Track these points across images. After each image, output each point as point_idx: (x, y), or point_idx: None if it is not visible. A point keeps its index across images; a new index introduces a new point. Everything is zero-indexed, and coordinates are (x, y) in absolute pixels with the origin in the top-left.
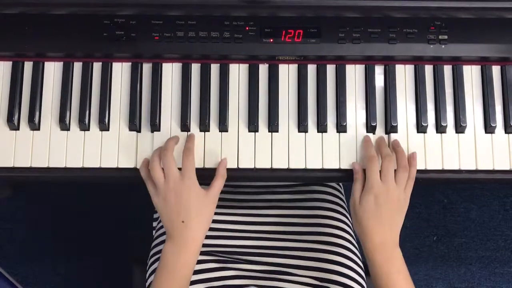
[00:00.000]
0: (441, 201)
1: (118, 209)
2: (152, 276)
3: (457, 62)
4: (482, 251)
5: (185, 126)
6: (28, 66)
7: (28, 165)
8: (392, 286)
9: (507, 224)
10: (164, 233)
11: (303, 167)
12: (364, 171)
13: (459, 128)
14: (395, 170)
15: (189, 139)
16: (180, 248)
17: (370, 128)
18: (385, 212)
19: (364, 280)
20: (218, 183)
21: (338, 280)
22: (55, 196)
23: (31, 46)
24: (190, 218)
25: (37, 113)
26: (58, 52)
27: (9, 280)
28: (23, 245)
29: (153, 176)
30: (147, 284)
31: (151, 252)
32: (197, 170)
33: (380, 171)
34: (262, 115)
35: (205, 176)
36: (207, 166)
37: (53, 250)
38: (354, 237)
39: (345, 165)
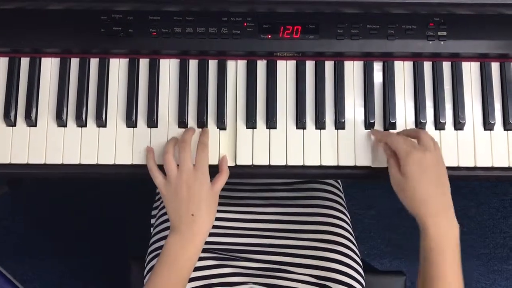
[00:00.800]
0: None
1: (116, 206)
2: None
3: (456, 59)
4: (481, 249)
5: (182, 123)
6: (24, 62)
7: (25, 162)
8: (441, 263)
9: (506, 222)
10: (162, 230)
11: (301, 164)
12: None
13: (458, 125)
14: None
15: (204, 134)
16: (186, 241)
17: (369, 125)
18: (430, 174)
19: (363, 278)
20: (222, 178)
21: (336, 278)
22: (53, 194)
23: (27, 42)
24: (200, 212)
25: (34, 110)
26: (55, 48)
27: (6, 277)
28: (21, 242)
29: (166, 167)
30: (145, 281)
31: (149, 249)
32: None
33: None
34: (260, 111)
35: None
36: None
37: (51, 247)
38: (353, 234)
39: (343, 162)
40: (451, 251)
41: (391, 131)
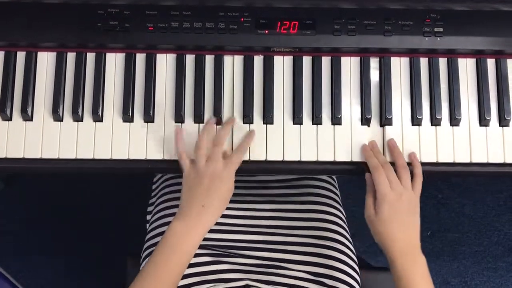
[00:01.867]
0: (435, 196)
1: (111, 203)
2: None
3: (452, 55)
4: (476, 246)
5: (179, 118)
6: (20, 56)
7: (21, 156)
8: None
9: (500, 219)
10: (158, 227)
11: (297, 159)
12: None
13: (454, 121)
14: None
15: (249, 137)
16: (191, 228)
17: (365, 121)
18: (402, 216)
19: (358, 275)
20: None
21: (332, 274)
22: (49, 190)
23: (23, 36)
24: (211, 206)
25: (30, 104)
26: (51, 42)
27: (2, 274)
28: (17, 239)
29: (197, 153)
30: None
31: (145, 246)
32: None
33: None
34: (257, 107)
35: None
36: None
37: (47, 244)
38: (348, 231)
39: (339, 158)
40: (420, 278)
41: (386, 127)
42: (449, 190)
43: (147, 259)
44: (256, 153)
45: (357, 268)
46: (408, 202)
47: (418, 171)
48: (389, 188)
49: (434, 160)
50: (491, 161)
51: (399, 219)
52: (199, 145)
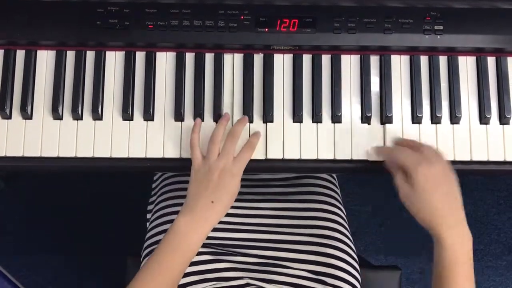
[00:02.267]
0: None
1: (111, 202)
2: None
3: (452, 53)
4: (476, 245)
5: (179, 116)
6: (20, 55)
7: (20, 155)
8: (456, 274)
9: (500, 218)
10: (158, 225)
11: (297, 157)
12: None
13: (454, 119)
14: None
15: (256, 136)
16: (198, 223)
17: (365, 119)
18: (440, 184)
19: (358, 273)
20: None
21: (332, 273)
22: (49, 189)
23: (23, 34)
24: (220, 202)
25: (30, 102)
26: (50, 40)
27: (2, 273)
28: (17, 238)
29: (210, 148)
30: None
31: (145, 245)
32: (188, 161)
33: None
34: (257, 105)
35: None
36: None
37: (47, 243)
38: (349, 230)
39: (340, 156)
40: (466, 262)
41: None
42: None
43: (148, 257)
44: (256, 152)
45: (357, 266)
46: (442, 169)
47: (426, 145)
48: (418, 160)
49: None
50: (492, 159)
51: (440, 188)
52: (214, 140)
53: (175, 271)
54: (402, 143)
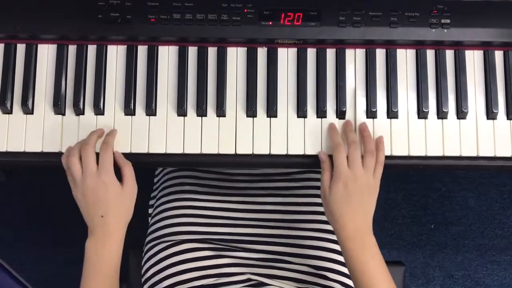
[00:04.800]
0: (439, 189)
1: None
2: (148, 263)
3: (459, 47)
4: (479, 239)
5: (182, 111)
6: (21, 49)
7: (21, 150)
8: (367, 273)
9: (505, 213)
10: (160, 220)
11: (302, 153)
12: (331, 159)
13: (461, 114)
14: (362, 156)
15: (110, 134)
16: (100, 243)
17: (370, 114)
18: (355, 199)
19: None
20: (127, 172)
21: (334, 268)
22: (50, 182)
23: (23, 28)
24: (108, 213)
25: (31, 97)
26: (51, 34)
27: (3, 266)
28: (19, 231)
29: (71, 170)
30: (142, 270)
31: (147, 239)
32: (192, 156)
33: (347, 158)
34: (261, 100)
35: (201, 163)
36: (204, 151)
37: (48, 236)
38: None
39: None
40: (371, 259)
41: (392, 120)
42: (453, 183)
43: (150, 251)
44: (260, 147)
45: None
46: (366, 185)
47: (381, 157)
48: (347, 168)
49: (440, 154)
50: (499, 154)
51: (353, 201)
52: (71, 161)
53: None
54: (362, 135)
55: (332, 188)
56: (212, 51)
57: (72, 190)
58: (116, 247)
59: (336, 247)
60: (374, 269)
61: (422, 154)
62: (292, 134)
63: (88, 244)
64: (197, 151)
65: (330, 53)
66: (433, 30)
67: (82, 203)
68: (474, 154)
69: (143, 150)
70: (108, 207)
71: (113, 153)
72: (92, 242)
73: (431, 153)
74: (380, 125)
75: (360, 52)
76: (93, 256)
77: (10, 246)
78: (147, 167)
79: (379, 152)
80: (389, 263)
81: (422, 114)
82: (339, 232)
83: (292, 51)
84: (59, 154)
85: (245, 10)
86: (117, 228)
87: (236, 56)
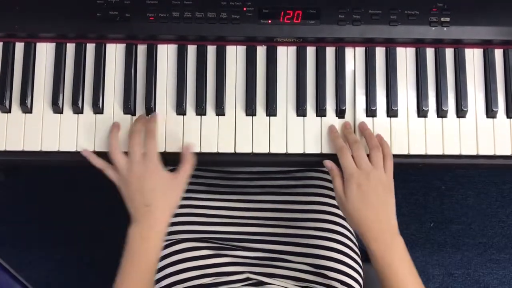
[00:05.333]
0: (439, 187)
1: (113, 194)
2: None
3: (459, 45)
4: (479, 238)
5: (181, 110)
6: (19, 47)
7: (20, 149)
8: (395, 276)
9: (504, 211)
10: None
11: (301, 151)
12: (337, 165)
13: (460, 112)
14: (368, 155)
15: (151, 120)
16: (144, 232)
17: (370, 112)
18: (372, 197)
19: (360, 267)
20: (186, 168)
21: (334, 266)
22: (50, 181)
23: (22, 26)
24: (154, 202)
25: (29, 96)
26: (50, 32)
27: (2, 265)
28: (17, 230)
29: (114, 160)
30: None
31: None
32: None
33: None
34: (260, 98)
35: (201, 161)
36: (203, 150)
37: (47, 236)
38: None
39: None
40: (399, 262)
41: (392, 119)
42: (452, 181)
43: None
44: (259, 146)
45: (359, 260)
46: (378, 182)
47: (387, 151)
48: (355, 168)
49: (440, 153)
50: (498, 153)
51: (370, 200)
52: (110, 148)
53: (144, 280)
54: (363, 134)
55: (347, 192)
56: (211, 50)
57: (116, 183)
58: (158, 238)
59: (336, 245)
60: (402, 272)
61: (422, 152)
62: (291, 132)
63: (131, 232)
64: (196, 150)
65: (330, 52)
66: (433, 28)
67: (127, 192)
68: (474, 153)
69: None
70: (154, 196)
71: (183, 146)
72: (135, 231)
73: (431, 151)
74: (379, 124)
75: (360, 51)
76: (135, 246)
77: (10, 246)
78: None
79: (383, 146)
80: None
81: (421, 112)
82: (365, 236)
83: (292, 50)
84: (58, 153)
85: (244, 8)
86: (161, 218)
87: (235, 54)
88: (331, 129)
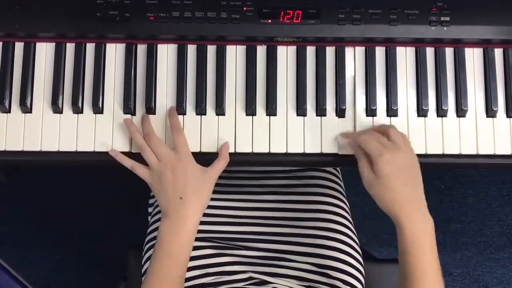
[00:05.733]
0: (438, 186)
1: (113, 195)
2: (148, 263)
3: (458, 45)
4: (478, 237)
5: (181, 110)
6: (19, 47)
7: (20, 149)
8: (421, 263)
9: (504, 210)
10: (159, 219)
11: (301, 151)
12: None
13: (460, 112)
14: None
15: (172, 115)
16: (177, 226)
17: (370, 112)
18: (403, 172)
19: (362, 266)
20: (220, 164)
21: (336, 266)
22: (50, 181)
23: (21, 26)
24: (187, 194)
25: (29, 96)
26: (50, 32)
27: (2, 265)
28: (17, 230)
29: (146, 157)
30: (142, 270)
31: (147, 239)
32: (193, 154)
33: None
34: (260, 98)
35: (201, 161)
36: (203, 150)
37: (47, 236)
38: (352, 223)
39: (343, 151)
40: (427, 245)
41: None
42: (452, 181)
43: (149, 251)
44: (259, 145)
45: (361, 259)
46: (406, 156)
47: (395, 130)
48: (383, 147)
49: (440, 152)
50: (498, 152)
51: (402, 175)
52: (140, 147)
53: (174, 276)
54: (372, 129)
55: (378, 172)
56: (211, 49)
57: (147, 180)
58: (191, 232)
59: (339, 245)
60: (428, 259)
61: (422, 152)
62: (291, 132)
63: (163, 227)
64: (197, 150)
65: (330, 51)
66: (433, 28)
67: (160, 187)
68: (473, 152)
69: None
70: (187, 188)
71: (223, 144)
72: (167, 226)
73: (431, 151)
74: (379, 123)
75: (360, 50)
76: (167, 240)
77: (10, 246)
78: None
79: (390, 128)
80: (388, 261)
81: (421, 112)
82: (397, 214)
83: (292, 49)
84: (57, 153)
85: (244, 8)
86: (194, 211)
87: (235, 54)
88: (342, 134)
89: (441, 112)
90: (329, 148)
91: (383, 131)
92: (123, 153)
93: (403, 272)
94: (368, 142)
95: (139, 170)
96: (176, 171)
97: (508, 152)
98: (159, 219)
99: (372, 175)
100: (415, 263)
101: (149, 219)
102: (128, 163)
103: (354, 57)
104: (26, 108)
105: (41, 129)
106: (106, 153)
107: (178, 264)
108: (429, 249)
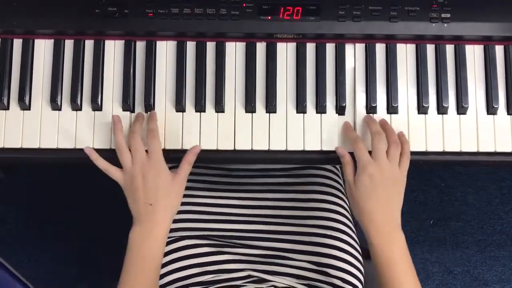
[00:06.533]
0: (438, 185)
1: (113, 190)
2: None
3: (459, 42)
4: (479, 235)
5: (180, 107)
6: (17, 44)
7: (18, 146)
8: (393, 272)
9: (504, 208)
10: None
11: (301, 148)
12: (350, 154)
13: (461, 109)
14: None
15: (151, 119)
16: (147, 232)
17: (370, 109)
18: (382, 191)
19: (362, 265)
20: (184, 169)
21: (335, 264)
22: (50, 181)
23: (20, 22)
24: (158, 201)
25: (28, 93)
26: (48, 29)
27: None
28: (18, 229)
29: (121, 158)
30: None
31: None
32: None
33: (371, 150)
34: (260, 95)
35: (202, 159)
36: (203, 147)
37: (47, 234)
38: (352, 221)
39: (344, 147)
40: (397, 255)
41: (392, 115)
42: (452, 179)
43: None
44: (259, 143)
45: (360, 258)
46: (391, 178)
47: (406, 149)
48: (370, 159)
49: (440, 149)
50: (499, 150)
51: (379, 194)
52: (118, 147)
53: (146, 281)
54: (384, 129)
55: (358, 182)
56: (210, 46)
57: (119, 182)
58: (161, 238)
59: (338, 243)
60: (400, 268)
61: (422, 149)
62: (291, 129)
63: (132, 234)
64: None
65: (330, 48)
66: (433, 25)
67: (131, 191)
68: (474, 150)
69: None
70: (158, 195)
71: (195, 148)
72: (137, 232)
73: (431, 148)
74: None
75: (360, 47)
76: (137, 246)
77: (10, 245)
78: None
79: (404, 144)
80: None
81: (422, 109)
82: (367, 227)
83: (291, 46)
84: (57, 150)
85: (244, 5)
86: (164, 218)
87: (234, 51)
88: (346, 124)
89: (441, 109)
90: (329, 145)
91: (390, 140)
92: None
93: (380, 283)
94: (360, 151)
95: (113, 172)
96: (147, 178)
97: (508, 150)
98: None
99: (352, 181)
100: (389, 275)
101: None
102: (102, 163)
103: (354, 54)
104: (24, 105)
105: (40, 126)
106: (105, 151)
107: (150, 270)
108: (399, 259)
